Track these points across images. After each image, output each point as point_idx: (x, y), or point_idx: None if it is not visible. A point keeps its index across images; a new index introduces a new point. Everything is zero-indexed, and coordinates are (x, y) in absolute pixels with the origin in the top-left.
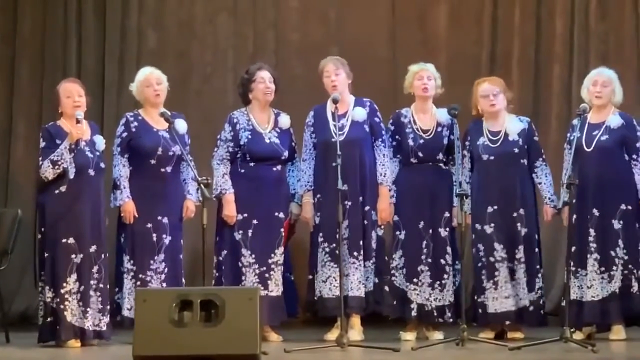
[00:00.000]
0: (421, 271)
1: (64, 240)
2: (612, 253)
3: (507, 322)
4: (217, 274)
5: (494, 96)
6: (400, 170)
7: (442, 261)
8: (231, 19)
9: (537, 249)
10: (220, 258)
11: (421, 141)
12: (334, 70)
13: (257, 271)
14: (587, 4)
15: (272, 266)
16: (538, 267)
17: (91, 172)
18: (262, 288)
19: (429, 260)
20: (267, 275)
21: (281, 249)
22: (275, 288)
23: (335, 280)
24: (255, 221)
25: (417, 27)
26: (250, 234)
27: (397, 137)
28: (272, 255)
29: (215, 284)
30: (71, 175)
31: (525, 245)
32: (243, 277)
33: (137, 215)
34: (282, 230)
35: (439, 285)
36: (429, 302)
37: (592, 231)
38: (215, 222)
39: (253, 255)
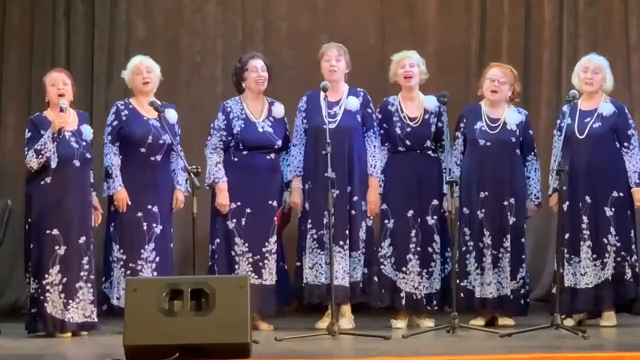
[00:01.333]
0: (410, 260)
1: (48, 232)
2: (605, 240)
3: (488, 309)
4: (210, 263)
5: (499, 83)
6: (389, 158)
7: (430, 249)
8: (219, 7)
9: (523, 239)
10: (214, 247)
11: (408, 129)
12: (335, 55)
13: (251, 260)
14: None
15: (266, 255)
16: (523, 256)
17: (76, 162)
18: (256, 277)
19: (418, 248)
20: (260, 264)
21: (275, 238)
22: (269, 277)
23: (322, 267)
24: (248, 210)
25: (406, 16)
26: (243, 223)
27: (384, 125)
28: (266, 243)
29: (208, 272)
30: (53, 165)
31: (512, 235)
32: (236, 266)
33: (129, 204)
34: (276, 219)
35: (426, 274)
36: (418, 291)
37: (585, 218)
38: (210, 211)
39: (246, 244)
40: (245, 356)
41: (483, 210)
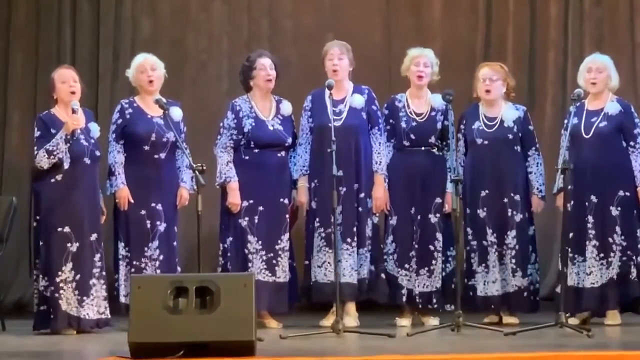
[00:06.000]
0: (412, 257)
1: (59, 229)
2: (610, 239)
3: (492, 306)
4: (222, 261)
5: (491, 82)
6: (393, 155)
7: (431, 247)
8: (225, 6)
9: (530, 235)
10: (226, 245)
11: (414, 124)
12: (338, 54)
13: (265, 257)
14: None
15: (279, 252)
16: (530, 252)
17: (87, 160)
18: (270, 274)
19: (416, 246)
20: (274, 261)
21: (287, 235)
22: (283, 274)
23: (330, 265)
24: (261, 207)
25: (411, 14)
26: (256, 220)
27: (391, 121)
28: (279, 241)
29: (221, 272)
30: (66, 166)
31: (517, 231)
32: (250, 264)
33: (132, 201)
34: (288, 216)
35: (426, 272)
36: (417, 288)
37: (590, 218)
38: (220, 209)
39: (260, 242)
40: (250, 354)
41: (485, 209)
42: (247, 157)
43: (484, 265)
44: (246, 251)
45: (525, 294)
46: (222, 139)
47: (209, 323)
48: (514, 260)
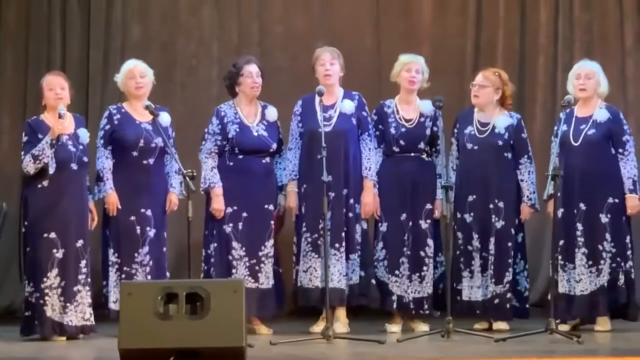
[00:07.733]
0: (402, 263)
1: (45, 235)
2: (600, 247)
3: (477, 312)
4: (205, 267)
5: (479, 88)
6: (383, 161)
7: (422, 253)
8: (215, 10)
9: (510, 243)
10: (209, 251)
11: (403, 129)
12: (329, 59)
13: (248, 264)
14: None
15: (263, 258)
16: (510, 261)
17: (74, 166)
18: (253, 281)
19: (408, 252)
20: (257, 267)
21: (271, 241)
22: (266, 280)
23: (316, 271)
24: (245, 214)
25: (401, 18)
26: (240, 227)
27: (380, 126)
28: (263, 247)
29: (204, 278)
30: (51, 171)
31: (497, 238)
32: (234, 270)
33: (120, 207)
34: (272, 222)
35: (417, 277)
36: (407, 294)
37: (579, 225)
38: (204, 215)
39: (244, 248)
40: None
41: (472, 214)
42: (231, 163)
43: (469, 270)
44: (230, 257)
45: (497, 301)
46: (207, 144)
47: (199, 329)
48: (492, 267)
